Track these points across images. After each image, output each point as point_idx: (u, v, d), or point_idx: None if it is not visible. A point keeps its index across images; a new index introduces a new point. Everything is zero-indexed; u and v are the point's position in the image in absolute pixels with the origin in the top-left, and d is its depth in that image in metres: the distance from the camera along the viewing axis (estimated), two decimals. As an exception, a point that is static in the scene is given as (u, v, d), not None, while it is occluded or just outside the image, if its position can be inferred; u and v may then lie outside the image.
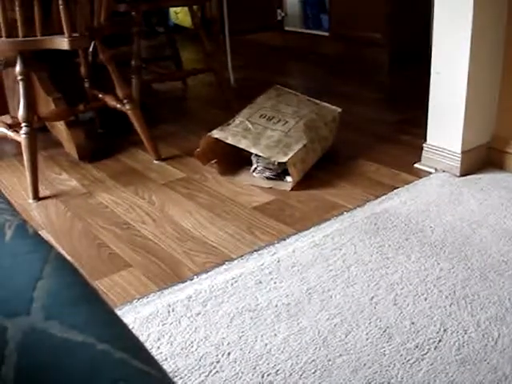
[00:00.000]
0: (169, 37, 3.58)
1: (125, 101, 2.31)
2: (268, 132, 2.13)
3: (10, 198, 2.09)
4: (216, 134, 2.13)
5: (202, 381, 1.18)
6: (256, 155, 2.09)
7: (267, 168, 2.09)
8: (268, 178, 2.11)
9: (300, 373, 1.19)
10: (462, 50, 1.93)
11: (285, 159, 2.00)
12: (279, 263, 1.59)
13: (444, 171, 2.11)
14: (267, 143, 2.07)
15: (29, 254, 0.51)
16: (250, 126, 2.16)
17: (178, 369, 1.22)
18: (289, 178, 2.08)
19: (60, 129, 2.49)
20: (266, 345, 1.27)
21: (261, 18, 4.78)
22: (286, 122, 2.19)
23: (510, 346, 1.22)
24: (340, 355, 1.23)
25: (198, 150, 2.18)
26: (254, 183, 2.12)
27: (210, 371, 1.21)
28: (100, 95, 2.52)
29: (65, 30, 1.98)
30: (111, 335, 0.43)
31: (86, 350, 0.40)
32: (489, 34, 1.97)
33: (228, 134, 2.11)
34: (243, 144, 2.07)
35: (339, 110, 2.40)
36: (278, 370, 1.20)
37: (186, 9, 4.02)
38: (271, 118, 2.22)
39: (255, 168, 2.11)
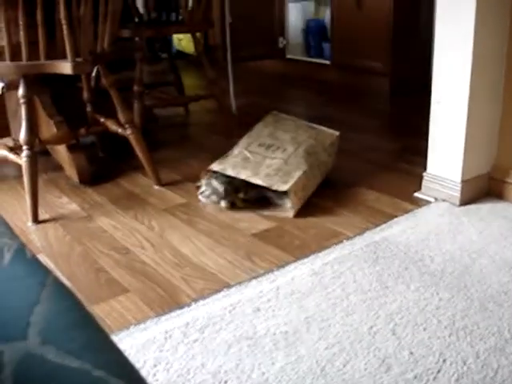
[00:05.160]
0: (171, 63, 3.61)
1: (126, 125, 2.32)
2: (267, 161, 2.13)
3: (10, 220, 2.08)
4: (215, 166, 2.13)
5: (198, 409, 1.17)
6: (207, 179, 2.11)
7: (214, 193, 2.09)
8: (216, 202, 2.13)
9: (297, 402, 1.18)
10: (463, 80, 1.95)
11: (285, 188, 2.00)
12: (278, 291, 1.58)
13: (444, 200, 2.11)
14: (267, 172, 2.07)
15: (27, 279, 0.51)
16: (248, 155, 2.17)
17: (174, 396, 1.21)
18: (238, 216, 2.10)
19: (61, 152, 2.49)
20: (264, 373, 1.26)
21: (263, 46, 4.83)
22: (285, 149, 2.19)
23: (510, 377, 1.21)
24: (338, 385, 1.22)
25: (197, 184, 2.19)
26: (253, 210, 2.11)
27: (207, 399, 1.19)
28: (102, 119, 2.53)
29: (68, 55, 1.99)
30: (107, 361, 0.42)
31: (82, 377, 0.40)
32: (489, 64, 1.98)
33: (227, 166, 2.11)
34: (243, 175, 2.07)
35: (337, 133, 2.40)
36: (275, 399, 1.19)
37: (189, 35, 4.06)
38: (270, 146, 2.22)
39: (203, 191, 2.11)
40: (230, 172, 2.08)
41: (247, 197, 2.10)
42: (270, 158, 2.15)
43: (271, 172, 2.07)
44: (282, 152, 2.18)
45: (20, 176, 2.17)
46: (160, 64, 5.09)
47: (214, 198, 2.10)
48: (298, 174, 2.07)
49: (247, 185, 2.07)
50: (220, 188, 2.06)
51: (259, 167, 2.10)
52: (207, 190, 2.10)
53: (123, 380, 0.40)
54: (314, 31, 4.64)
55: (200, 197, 2.13)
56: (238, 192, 2.09)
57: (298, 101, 4.12)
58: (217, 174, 2.11)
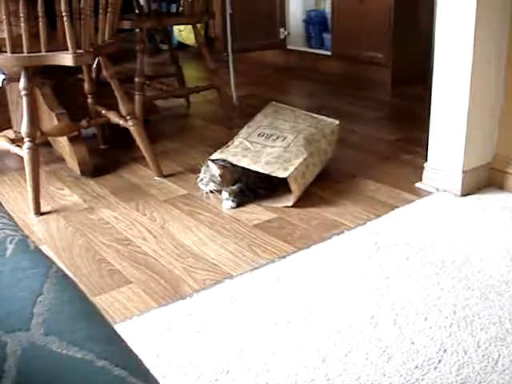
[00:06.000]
0: (172, 54, 3.60)
1: (128, 117, 2.32)
2: (267, 149, 2.14)
3: (12, 212, 2.09)
4: (216, 156, 2.13)
5: (201, 399, 1.18)
6: (206, 167, 2.10)
7: (212, 180, 2.09)
8: (211, 192, 2.13)
9: (299, 392, 1.18)
10: (464, 70, 1.94)
11: (285, 174, 2.00)
12: (279, 281, 1.59)
13: (445, 191, 2.11)
14: (267, 159, 2.07)
15: (30, 270, 0.51)
16: (249, 145, 2.17)
17: (177, 386, 1.21)
18: (228, 204, 2.09)
19: (62, 144, 2.49)
20: (266, 363, 1.27)
21: (264, 37, 4.81)
22: (285, 137, 2.19)
23: (510, 367, 1.22)
24: (339, 375, 1.22)
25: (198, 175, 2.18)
26: (254, 201, 2.11)
27: (209, 389, 1.20)
28: (103, 111, 2.53)
29: (69, 47, 1.99)
30: (110, 352, 0.43)
31: (85, 367, 0.40)
32: (490, 53, 1.98)
33: (228, 155, 2.12)
34: (243, 162, 2.07)
35: (337, 122, 2.39)
36: (276, 389, 1.19)
37: (189, 27, 4.04)
38: (270, 135, 2.22)
39: (201, 179, 2.11)
40: (231, 160, 2.09)
41: (239, 189, 2.09)
42: (270, 146, 2.15)
43: (271, 159, 2.07)
44: (282, 141, 2.18)
45: (22, 168, 2.18)
46: (161, 55, 5.09)
47: (212, 185, 2.10)
48: (298, 161, 2.07)
49: (248, 180, 2.08)
50: (216, 172, 2.05)
51: (259, 155, 2.10)
52: (205, 177, 2.10)
53: (126, 370, 0.41)
54: (314, 22, 4.62)
55: (199, 184, 2.12)
56: (234, 184, 2.08)
57: (298, 91, 4.12)
58: (216, 160, 2.11)
